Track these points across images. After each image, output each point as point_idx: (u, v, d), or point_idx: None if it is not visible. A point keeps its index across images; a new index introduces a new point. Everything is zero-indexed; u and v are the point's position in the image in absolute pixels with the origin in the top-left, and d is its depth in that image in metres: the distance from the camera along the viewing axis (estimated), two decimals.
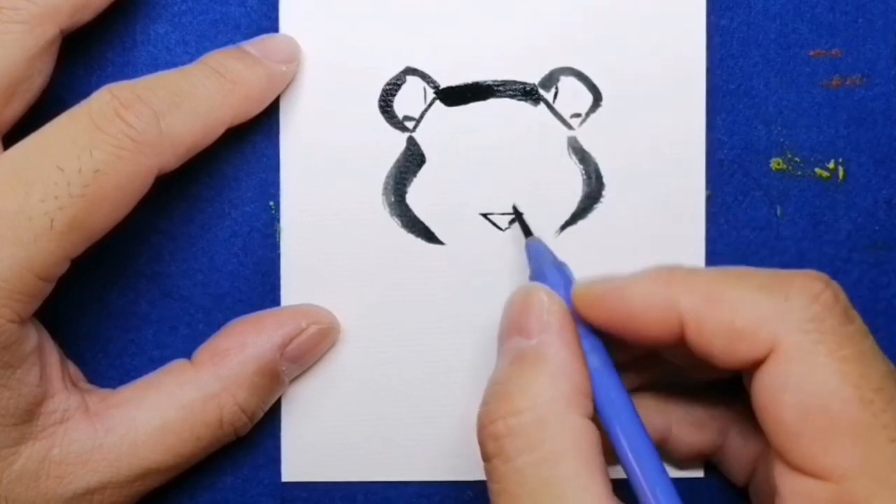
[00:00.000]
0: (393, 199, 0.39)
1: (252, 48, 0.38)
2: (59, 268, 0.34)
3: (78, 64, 0.39)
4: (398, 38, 0.39)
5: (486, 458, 0.31)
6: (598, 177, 0.39)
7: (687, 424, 0.36)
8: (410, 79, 0.39)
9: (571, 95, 0.39)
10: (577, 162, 0.39)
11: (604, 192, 0.39)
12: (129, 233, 0.38)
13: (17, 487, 0.34)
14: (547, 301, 0.33)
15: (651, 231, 0.39)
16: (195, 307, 0.40)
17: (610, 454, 0.31)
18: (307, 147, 0.39)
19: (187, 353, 0.38)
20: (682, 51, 0.39)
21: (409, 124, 0.39)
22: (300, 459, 0.39)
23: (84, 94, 0.35)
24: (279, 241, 0.39)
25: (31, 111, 0.36)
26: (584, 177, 0.39)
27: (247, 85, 0.37)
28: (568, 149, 0.39)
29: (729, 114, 0.39)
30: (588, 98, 0.39)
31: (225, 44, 0.38)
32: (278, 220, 0.39)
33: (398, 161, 0.39)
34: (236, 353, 0.37)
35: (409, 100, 0.39)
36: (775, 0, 0.39)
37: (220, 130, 0.36)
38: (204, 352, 0.37)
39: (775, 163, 0.40)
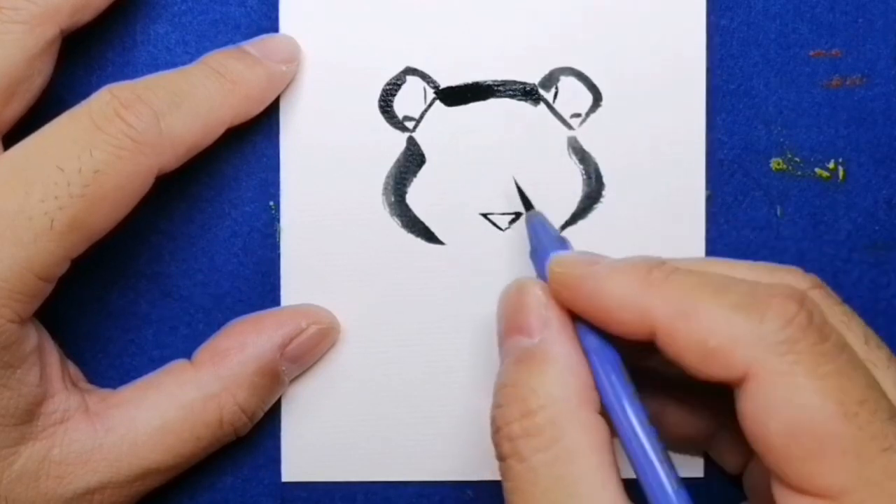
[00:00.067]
0: (393, 199, 0.39)
1: (252, 48, 0.38)
2: (59, 268, 0.34)
3: (78, 64, 0.39)
4: (398, 38, 0.39)
5: (500, 458, 0.31)
6: (598, 177, 0.39)
7: (680, 410, 0.36)
8: (410, 79, 0.39)
9: (571, 95, 0.39)
10: (577, 162, 0.39)
11: (604, 192, 0.39)
12: (129, 233, 0.38)
13: (17, 487, 0.34)
14: (543, 297, 0.32)
15: (651, 231, 0.39)
16: (195, 307, 0.40)
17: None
18: (307, 147, 0.39)
19: (187, 353, 0.38)
20: (682, 51, 0.39)
21: (409, 124, 0.39)
22: (300, 459, 0.39)
23: (84, 94, 0.35)
24: (279, 241, 0.39)
25: (31, 111, 0.36)
26: (584, 177, 0.39)
27: (247, 85, 0.37)
28: (568, 149, 0.39)
29: (729, 114, 0.39)
30: (588, 98, 0.39)
31: (225, 44, 0.38)
32: (278, 220, 0.39)
33: (398, 161, 0.39)
34: (236, 353, 0.37)
35: (409, 100, 0.39)
36: (775, 0, 0.39)
37: (220, 130, 0.36)
38: (204, 352, 0.37)
39: (775, 163, 0.40)
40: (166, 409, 0.36)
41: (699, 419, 0.36)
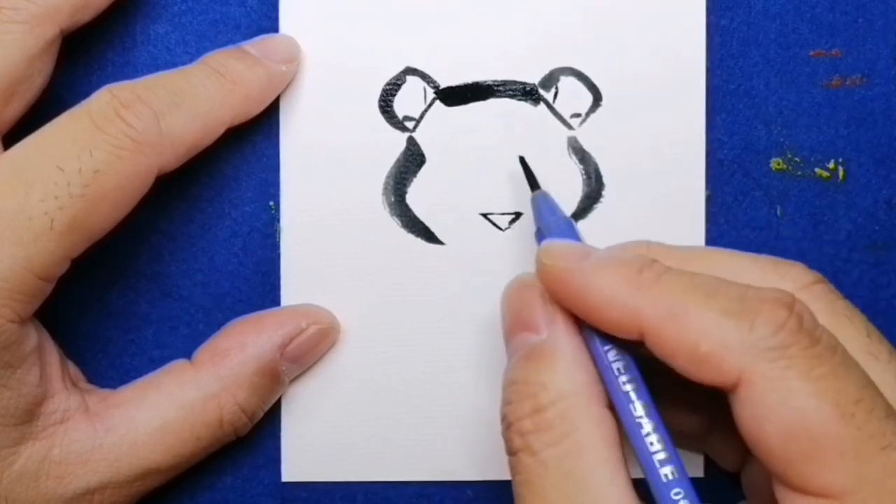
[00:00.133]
0: (393, 199, 0.39)
1: (252, 48, 0.38)
2: (59, 268, 0.34)
3: (78, 64, 0.39)
4: (398, 38, 0.39)
5: (511, 452, 0.31)
6: (598, 177, 0.39)
7: (675, 407, 0.36)
8: (410, 79, 0.39)
9: (571, 95, 0.39)
10: (577, 162, 0.39)
11: (604, 192, 0.39)
12: (129, 233, 0.38)
13: (17, 487, 0.34)
14: (547, 292, 0.32)
15: (651, 231, 0.39)
16: (195, 307, 0.40)
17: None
18: (307, 147, 0.39)
19: (187, 353, 0.38)
20: (682, 51, 0.39)
21: (409, 124, 0.39)
22: (300, 459, 0.39)
23: (84, 94, 0.35)
24: (279, 241, 0.39)
25: (31, 111, 0.36)
26: (584, 177, 0.39)
27: (247, 85, 0.37)
28: (568, 149, 0.39)
29: (729, 114, 0.39)
30: (588, 98, 0.39)
31: (225, 44, 0.38)
32: (278, 220, 0.39)
33: (398, 161, 0.39)
34: (236, 353, 0.37)
35: (409, 100, 0.39)
36: (775, 0, 0.39)
37: (220, 130, 0.36)
38: (204, 352, 0.37)
39: (775, 163, 0.40)
40: (166, 409, 0.36)
41: (695, 416, 0.36)
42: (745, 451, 0.36)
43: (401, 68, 0.39)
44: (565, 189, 0.39)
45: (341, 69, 0.39)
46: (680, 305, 0.30)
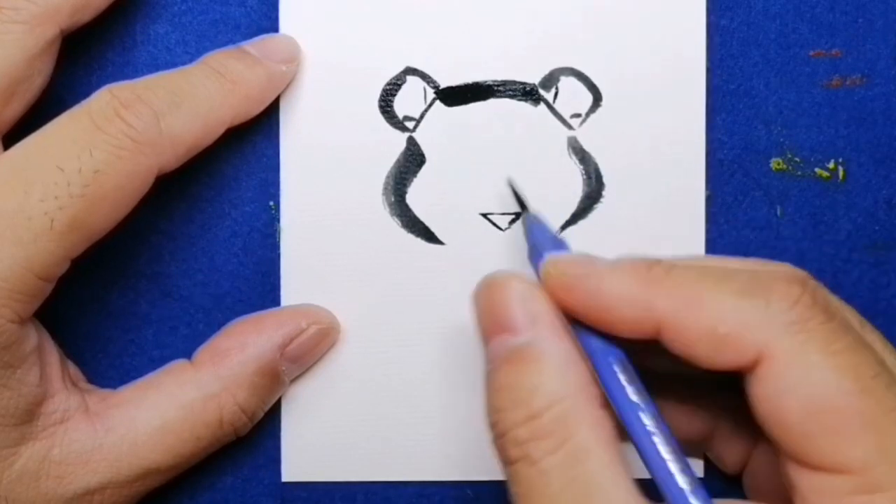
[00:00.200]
0: (393, 199, 0.39)
1: (252, 48, 0.38)
2: (59, 268, 0.34)
3: (78, 64, 0.39)
4: (398, 38, 0.39)
5: (507, 462, 0.30)
6: (598, 177, 0.39)
7: (676, 412, 0.36)
8: (410, 79, 0.39)
9: (571, 95, 0.39)
10: (577, 162, 0.39)
11: (604, 192, 0.39)
12: (129, 233, 0.38)
13: (18, 487, 0.34)
14: (527, 290, 0.31)
15: (651, 231, 0.39)
16: (195, 307, 0.40)
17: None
18: (307, 147, 0.39)
19: (187, 353, 0.38)
20: (682, 51, 0.39)
21: (409, 124, 0.39)
22: (300, 459, 0.39)
23: (84, 94, 0.35)
24: (279, 241, 0.39)
25: (31, 111, 0.36)
26: (584, 177, 0.39)
27: (247, 85, 0.37)
28: (568, 149, 0.39)
29: (729, 114, 0.39)
30: (588, 98, 0.39)
31: (225, 44, 0.38)
32: (278, 220, 0.39)
33: (398, 161, 0.39)
34: (236, 353, 0.37)
35: (409, 100, 0.39)
36: (775, 0, 0.39)
37: (220, 130, 0.36)
38: (204, 352, 0.37)
39: (775, 163, 0.40)
40: (166, 409, 0.36)
41: (696, 420, 0.36)
42: (745, 453, 0.36)
43: (401, 68, 0.39)
44: (565, 189, 0.39)
45: (341, 69, 0.39)
46: (694, 293, 0.30)
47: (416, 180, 0.39)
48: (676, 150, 0.39)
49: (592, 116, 0.39)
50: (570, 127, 0.39)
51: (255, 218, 0.39)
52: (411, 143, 0.39)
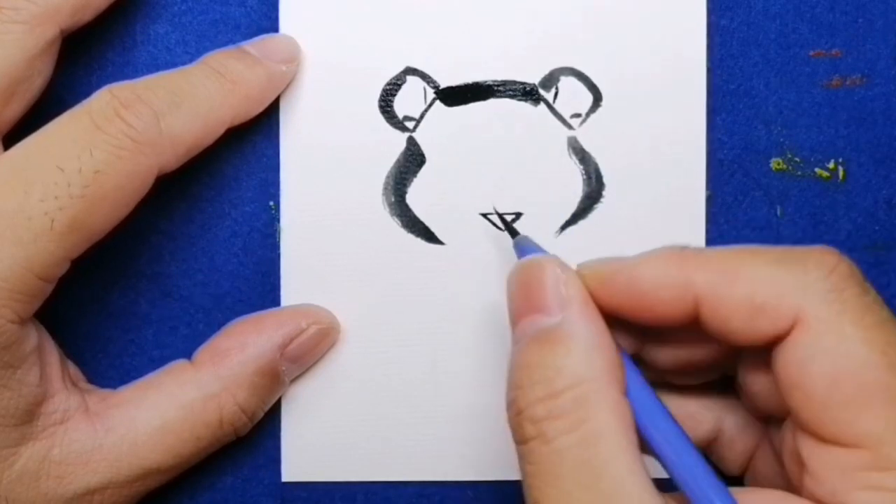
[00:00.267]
0: (393, 199, 0.39)
1: (252, 48, 0.38)
2: (60, 268, 0.34)
3: (78, 64, 0.39)
4: (398, 38, 0.39)
5: (522, 440, 0.30)
6: (598, 177, 0.39)
7: (680, 416, 0.36)
8: (410, 79, 0.39)
9: (571, 95, 0.39)
10: (577, 162, 0.39)
11: (604, 192, 0.39)
12: (129, 233, 0.38)
13: (18, 487, 0.34)
14: (562, 274, 0.31)
15: (651, 231, 0.39)
16: (195, 307, 0.40)
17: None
18: (307, 147, 0.39)
19: (187, 353, 0.38)
20: (682, 51, 0.39)
21: (409, 124, 0.39)
22: (300, 459, 0.39)
23: (84, 94, 0.35)
24: (279, 241, 0.39)
25: (31, 111, 0.36)
26: (584, 177, 0.39)
27: (247, 85, 0.37)
28: (568, 149, 0.39)
29: (729, 114, 0.39)
30: (588, 98, 0.39)
31: (225, 44, 0.38)
32: (278, 220, 0.39)
33: (398, 161, 0.39)
34: (236, 353, 0.37)
35: (409, 100, 0.39)
36: (775, 0, 0.39)
37: (220, 130, 0.36)
38: (204, 352, 0.37)
39: (775, 163, 0.40)
40: (166, 409, 0.36)
41: (699, 422, 0.36)
42: (747, 454, 0.36)
43: (401, 68, 0.39)
44: (565, 189, 0.39)
45: (341, 69, 0.39)
46: (730, 265, 0.30)
47: (416, 180, 0.39)
48: (676, 150, 0.39)
49: (592, 116, 0.39)
50: (570, 127, 0.39)
51: (255, 218, 0.39)
52: (411, 143, 0.39)
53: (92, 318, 0.39)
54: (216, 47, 0.38)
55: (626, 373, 0.31)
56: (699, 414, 0.36)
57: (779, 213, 0.40)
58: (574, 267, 0.32)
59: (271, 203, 0.39)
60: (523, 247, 0.35)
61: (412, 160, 0.39)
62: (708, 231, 0.39)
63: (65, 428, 0.35)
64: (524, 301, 0.32)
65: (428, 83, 0.39)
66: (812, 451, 0.29)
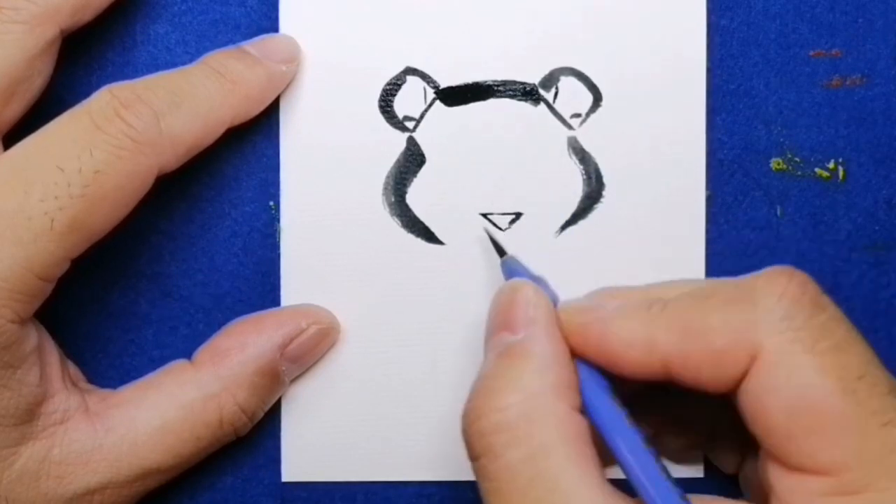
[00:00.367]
0: (393, 199, 0.39)
1: (252, 48, 0.38)
2: (59, 268, 0.34)
3: (78, 64, 0.39)
4: (398, 38, 0.39)
5: (473, 457, 0.31)
6: (598, 177, 0.39)
7: (677, 425, 0.36)
8: (410, 79, 0.39)
9: (571, 95, 0.39)
10: (577, 162, 0.39)
11: (604, 192, 0.39)
12: (129, 233, 0.38)
13: (18, 487, 0.34)
14: (533, 297, 0.32)
15: (651, 231, 0.39)
16: (195, 307, 0.40)
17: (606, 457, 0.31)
18: (307, 147, 0.39)
19: (187, 353, 0.38)
20: (682, 51, 0.39)
21: (409, 124, 0.39)
22: (300, 459, 0.39)
23: (84, 94, 0.35)
24: (279, 241, 0.39)
25: (31, 111, 0.36)
26: (584, 177, 0.39)
27: (247, 85, 0.37)
28: (568, 149, 0.39)
29: (729, 114, 0.39)
30: (588, 98, 0.39)
31: (225, 44, 0.38)
32: (278, 220, 0.39)
33: (398, 161, 0.39)
34: (236, 353, 0.37)
35: (409, 100, 0.39)
36: (775, 0, 0.39)
37: (220, 130, 0.36)
38: (204, 352, 0.37)
39: (775, 163, 0.40)
40: (166, 409, 0.36)
41: (696, 425, 0.36)
42: (741, 454, 0.36)
43: (401, 68, 0.39)
44: (565, 189, 0.39)
45: (341, 69, 0.39)
46: (687, 318, 0.30)
47: (416, 180, 0.39)
48: (676, 150, 0.39)
49: (592, 116, 0.39)
50: (570, 127, 0.39)
51: (255, 218, 0.39)
52: (411, 143, 0.39)
53: (92, 318, 0.39)
54: (216, 47, 0.38)
55: (581, 388, 0.31)
56: (693, 420, 0.36)
57: (779, 213, 0.40)
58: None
59: (271, 203, 0.39)
60: (510, 267, 0.36)
61: (412, 160, 0.39)
62: (708, 231, 0.39)
63: (65, 428, 0.35)
64: (497, 319, 0.33)
65: (428, 83, 0.39)
66: (777, 476, 0.29)
